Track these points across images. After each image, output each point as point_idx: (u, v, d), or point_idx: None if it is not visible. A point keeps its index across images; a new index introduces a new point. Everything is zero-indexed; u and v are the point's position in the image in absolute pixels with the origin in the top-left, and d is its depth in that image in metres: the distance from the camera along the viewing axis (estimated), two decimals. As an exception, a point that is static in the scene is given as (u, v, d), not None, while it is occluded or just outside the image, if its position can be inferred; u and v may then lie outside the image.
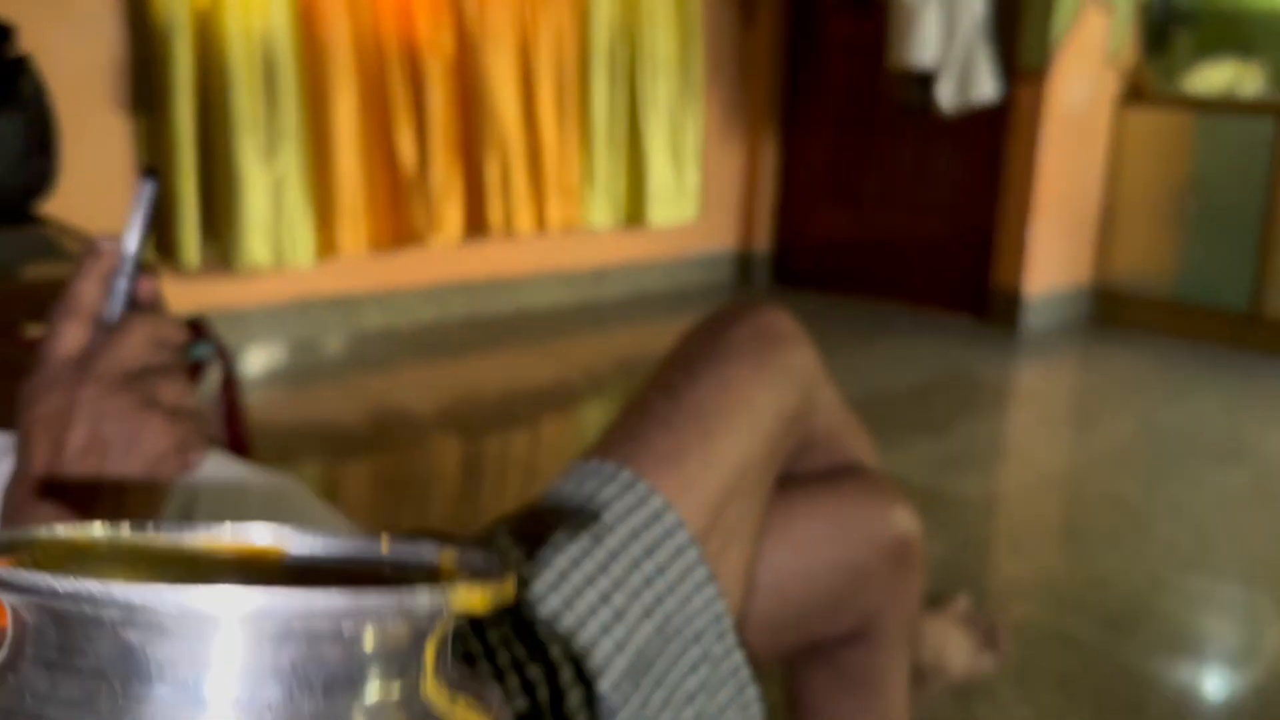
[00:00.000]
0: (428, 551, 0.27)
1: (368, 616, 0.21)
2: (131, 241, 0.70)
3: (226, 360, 1.28)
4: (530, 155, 3.36)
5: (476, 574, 0.25)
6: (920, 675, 1.20)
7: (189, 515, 0.77)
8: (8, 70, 1.89)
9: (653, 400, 0.91)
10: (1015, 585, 1.98)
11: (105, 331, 0.66)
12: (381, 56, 3.04)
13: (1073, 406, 3.27)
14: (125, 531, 0.26)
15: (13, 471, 0.63)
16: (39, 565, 0.24)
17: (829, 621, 1.01)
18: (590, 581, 0.83)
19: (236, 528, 0.27)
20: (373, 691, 0.22)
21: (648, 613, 0.83)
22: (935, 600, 1.38)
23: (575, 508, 0.86)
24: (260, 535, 0.27)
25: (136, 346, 0.66)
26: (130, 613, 0.20)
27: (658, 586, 0.84)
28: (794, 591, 0.98)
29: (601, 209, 3.60)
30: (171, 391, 0.65)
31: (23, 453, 0.63)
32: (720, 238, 4.22)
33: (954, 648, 1.26)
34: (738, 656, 0.87)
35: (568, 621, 0.81)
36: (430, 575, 0.26)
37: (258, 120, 2.83)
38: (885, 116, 3.92)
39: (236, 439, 1.26)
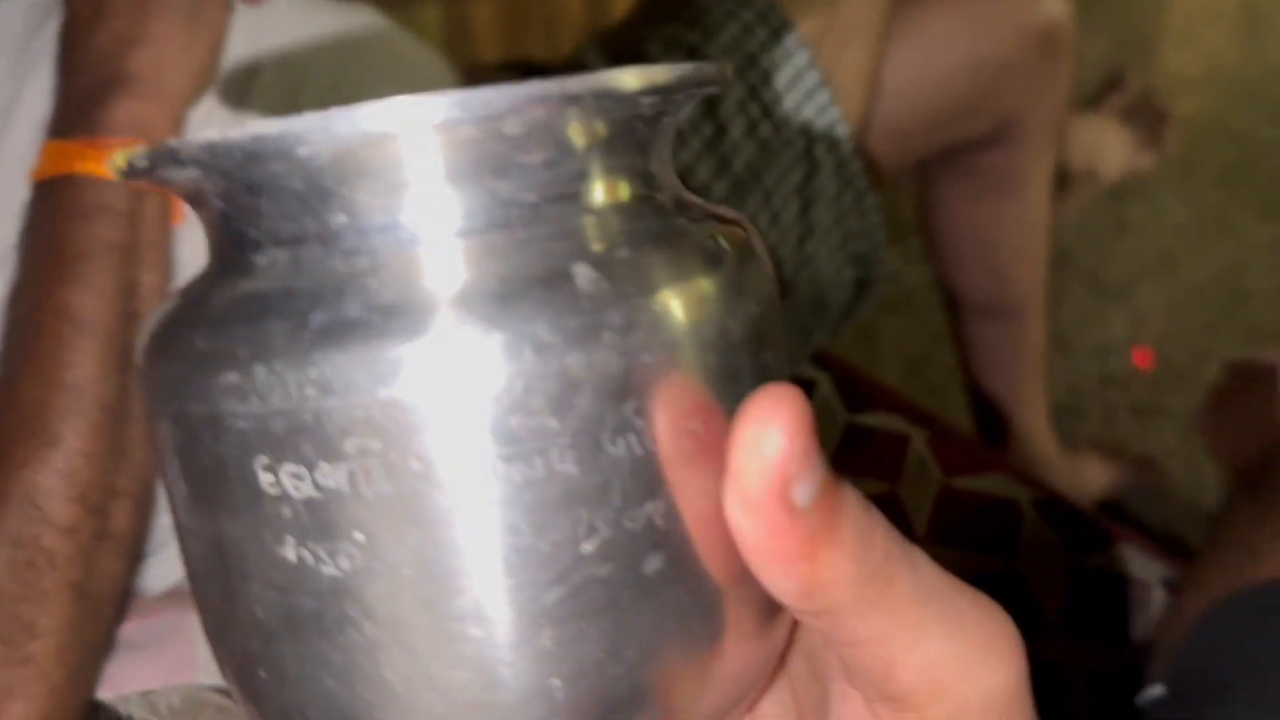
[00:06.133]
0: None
1: (575, 104, 0.17)
2: None
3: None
4: None
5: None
6: (1068, 179, 1.12)
7: (251, 80, 0.68)
8: None
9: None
10: (1182, 80, 1.81)
11: None
12: None
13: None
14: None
15: (59, 30, 0.57)
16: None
17: (965, 124, 0.93)
18: (688, 95, 0.75)
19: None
20: (599, 192, 0.19)
21: (752, 127, 0.76)
22: (1096, 98, 1.26)
23: (667, 15, 0.77)
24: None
25: None
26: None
27: (763, 97, 0.76)
28: (925, 94, 0.89)
29: None
30: None
31: (66, 7, 0.56)
32: None
33: (1110, 147, 1.16)
34: (854, 166, 0.80)
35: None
36: None
37: None
38: None
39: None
